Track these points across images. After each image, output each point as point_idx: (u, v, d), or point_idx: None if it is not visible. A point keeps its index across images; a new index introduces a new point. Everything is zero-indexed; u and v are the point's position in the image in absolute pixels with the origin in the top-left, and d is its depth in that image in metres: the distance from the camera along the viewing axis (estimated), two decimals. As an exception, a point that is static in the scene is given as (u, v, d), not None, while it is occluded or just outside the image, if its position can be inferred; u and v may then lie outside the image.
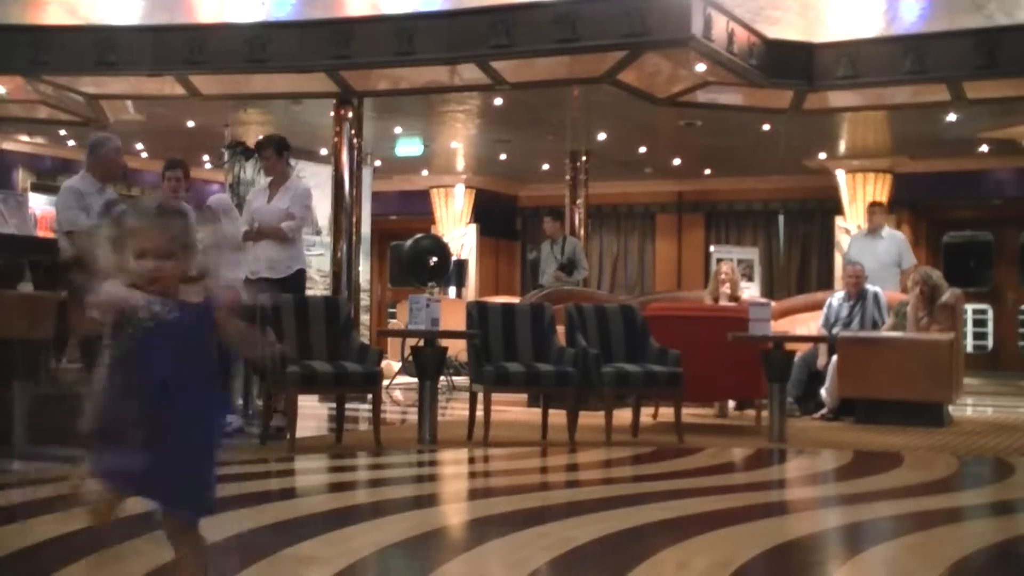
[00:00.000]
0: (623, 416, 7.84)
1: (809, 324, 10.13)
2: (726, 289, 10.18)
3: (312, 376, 6.66)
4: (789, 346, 8.11)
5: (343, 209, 10.87)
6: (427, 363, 7.12)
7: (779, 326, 9.47)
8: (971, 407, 10.82)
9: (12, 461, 5.80)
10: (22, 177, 15.07)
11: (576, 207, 14.57)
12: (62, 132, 13.92)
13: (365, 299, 13.00)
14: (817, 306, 10.20)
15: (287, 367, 6.53)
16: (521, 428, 8.08)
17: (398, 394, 11.39)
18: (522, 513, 4.61)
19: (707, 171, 16.12)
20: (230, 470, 5.80)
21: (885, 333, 9.18)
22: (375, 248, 16.17)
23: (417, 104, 11.92)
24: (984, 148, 13.58)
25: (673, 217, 17.59)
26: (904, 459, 6.67)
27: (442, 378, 9.80)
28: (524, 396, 9.59)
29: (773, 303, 9.58)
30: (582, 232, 14.49)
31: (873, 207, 11.67)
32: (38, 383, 5.85)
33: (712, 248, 15.80)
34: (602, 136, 13.49)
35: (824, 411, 9.24)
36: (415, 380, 7.45)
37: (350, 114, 10.89)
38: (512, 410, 9.26)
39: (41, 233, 12.72)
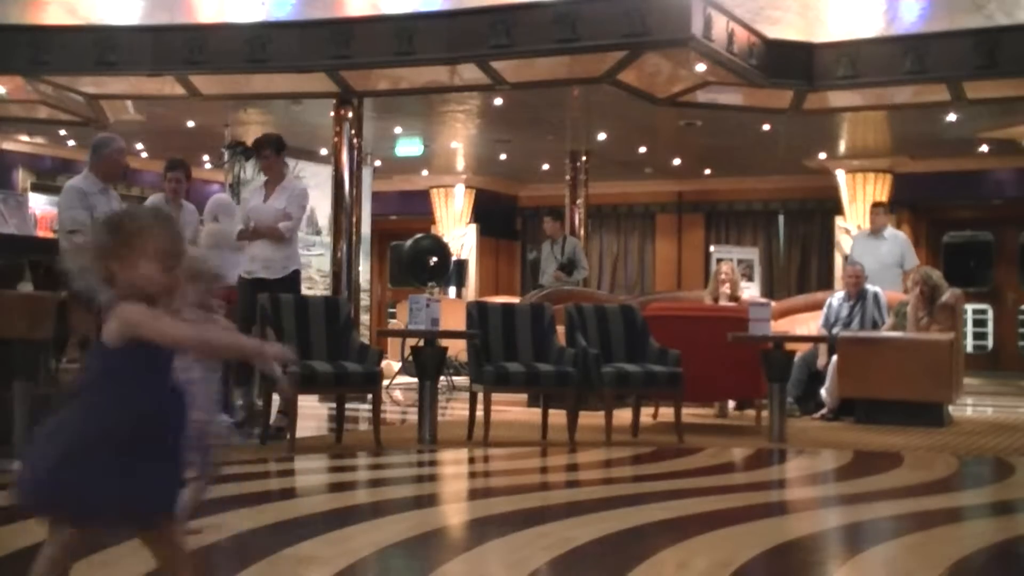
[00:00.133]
0: (623, 416, 7.84)
1: (809, 324, 10.13)
2: (726, 289, 10.18)
3: (312, 376, 6.66)
4: (789, 346, 8.11)
5: (343, 209, 10.87)
6: (427, 363, 7.12)
7: (779, 326, 9.47)
8: (971, 407, 10.82)
9: (12, 461, 5.80)
10: (22, 177, 15.07)
11: (576, 207, 14.57)
12: (62, 132, 13.92)
13: (365, 299, 13.01)
14: (817, 306, 10.20)
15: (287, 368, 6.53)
16: (521, 428, 8.08)
17: (398, 394, 11.39)
18: (522, 513, 4.61)
19: (707, 171, 16.12)
20: (230, 470, 5.80)
21: (885, 333, 9.18)
22: (375, 248, 16.17)
23: (417, 104, 11.92)
24: (984, 148, 13.58)
25: (673, 217, 17.60)
26: (904, 459, 6.67)
27: (442, 378, 9.80)
28: (524, 396, 9.59)
29: (773, 303, 9.58)
30: (582, 232, 14.49)
31: (876, 207, 11.66)
32: (38, 383, 5.85)
33: (712, 248, 15.80)
34: (602, 136, 13.49)
35: (824, 411, 9.24)
36: (415, 380, 7.45)
37: (350, 114, 10.89)
38: (512, 410, 9.26)
39: (41, 233, 12.74)
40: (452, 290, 15.47)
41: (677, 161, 15.26)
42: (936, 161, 14.58)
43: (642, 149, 14.39)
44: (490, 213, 17.68)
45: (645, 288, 17.13)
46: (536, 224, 16.83)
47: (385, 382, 9.53)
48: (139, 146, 14.49)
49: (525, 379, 7.29)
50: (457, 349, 10.81)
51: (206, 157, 14.81)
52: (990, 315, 15.94)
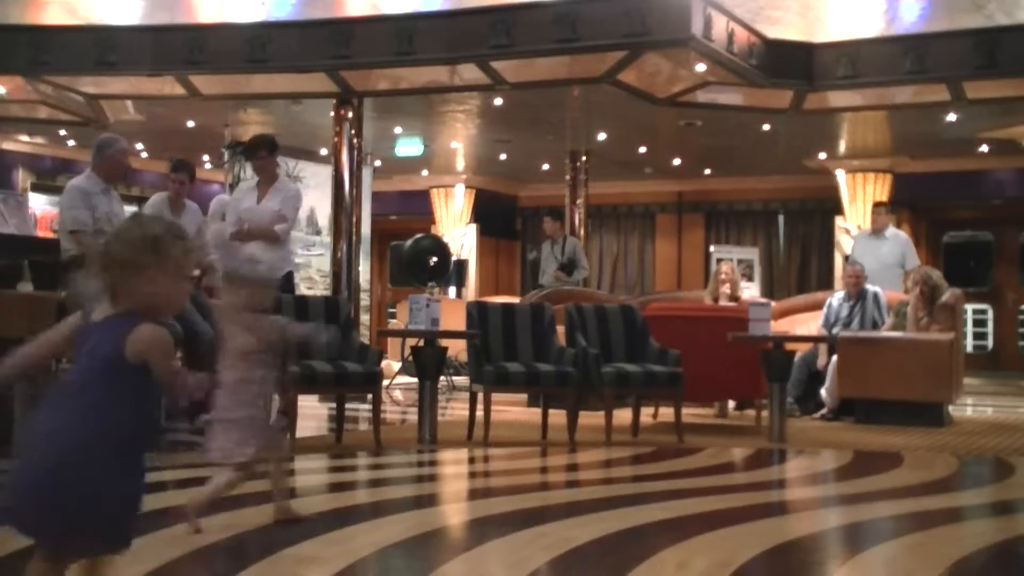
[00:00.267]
0: (623, 416, 7.84)
1: (809, 324, 10.13)
2: (726, 289, 10.18)
3: (312, 376, 6.66)
4: (789, 346, 8.11)
5: (343, 209, 10.87)
6: (427, 363, 7.12)
7: (779, 326, 9.47)
8: (971, 407, 10.82)
9: (12, 461, 5.80)
10: (22, 177, 15.08)
11: (576, 207, 14.58)
12: (62, 132, 13.93)
13: (365, 299, 13.01)
14: (817, 306, 10.20)
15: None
16: (521, 428, 8.08)
17: (398, 394, 11.39)
18: (522, 513, 4.61)
19: (707, 171, 16.12)
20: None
21: (885, 333, 9.18)
22: (375, 248, 16.17)
23: (417, 104, 11.92)
24: (984, 148, 13.58)
25: (673, 217, 17.60)
26: (904, 459, 6.67)
27: (442, 378, 9.80)
28: (524, 396, 9.59)
29: (773, 303, 9.58)
30: (582, 232, 14.50)
31: (877, 207, 11.66)
32: (38, 383, 5.85)
33: (712, 248, 15.81)
34: (602, 136, 13.49)
35: (824, 411, 9.24)
36: (415, 380, 7.44)
37: (350, 114, 10.89)
38: (512, 410, 9.26)
39: (41, 233, 12.74)
40: (452, 290, 15.47)
41: (677, 161, 15.26)
42: (936, 161, 14.58)
43: (642, 149, 14.39)
44: (490, 213, 17.68)
45: (645, 288, 17.13)
46: (536, 224, 16.84)
47: (385, 382, 9.53)
48: (139, 146, 14.50)
49: (525, 379, 7.29)
50: (457, 349, 10.81)
51: (206, 157, 14.81)
52: (990, 315, 15.94)
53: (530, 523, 4.31)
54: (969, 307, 14.86)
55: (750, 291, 13.15)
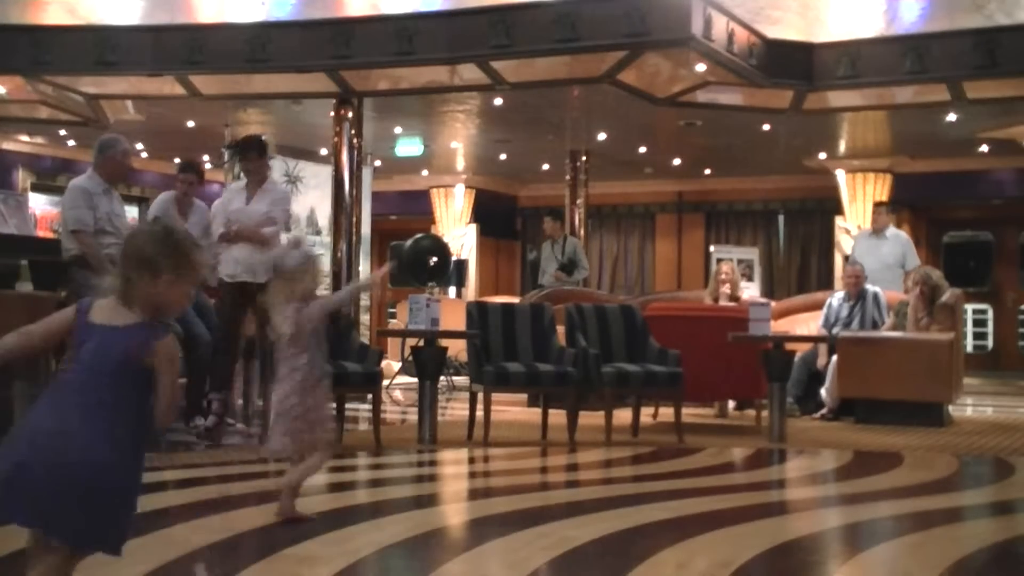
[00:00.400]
0: (623, 416, 7.84)
1: (809, 324, 10.12)
2: (726, 289, 10.18)
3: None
4: (789, 346, 8.11)
5: (343, 209, 10.87)
6: (427, 363, 7.12)
7: (779, 326, 9.46)
8: (971, 407, 10.81)
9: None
10: (22, 177, 15.07)
11: (576, 207, 14.58)
12: (62, 132, 13.92)
13: (365, 299, 13.01)
14: (817, 306, 10.20)
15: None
16: (521, 428, 8.08)
17: (398, 394, 11.39)
18: (522, 513, 4.61)
19: (707, 171, 16.12)
20: (230, 470, 5.81)
21: (885, 333, 9.18)
22: (375, 248, 16.17)
23: (417, 104, 11.92)
24: (984, 148, 13.58)
25: (673, 217, 17.60)
26: (904, 459, 6.67)
27: (442, 378, 9.80)
28: (524, 396, 9.59)
29: (773, 303, 9.58)
30: (582, 232, 14.50)
31: (878, 207, 11.67)
32: (38, 383, 5.85)
33: (712, 248, 15.80)
34: (602, 136, 13.49)
35: (824, 411, 9.24)
36: (415, 380, 7.44)
37: (350, 114, 10.89)
38: (512, 410, 9.26)
39: (41, 233, 12.74)
40: (452, 290, 15.47)
41: (677, 161, 15.26)
42: (936, 161, 14.58)
43: (642, 149, 14.39)
44: (490, 213, 17.68)
45: (645, 288, 17.14)
46: (536, 224, 16.84)
47: (385, 382, 9.53)
48: (139, 146, 14.49)
49: (525, 379, 7.29)
50: (457, 349, 10.81)
51: (206, 157, 14.79)
52: (990, 315, 15.94)
53: (530, 523, 4.31)
54: (969, 307, 14.86)
55: (750, 291, 13.14)
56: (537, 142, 14.07)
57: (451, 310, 8.95)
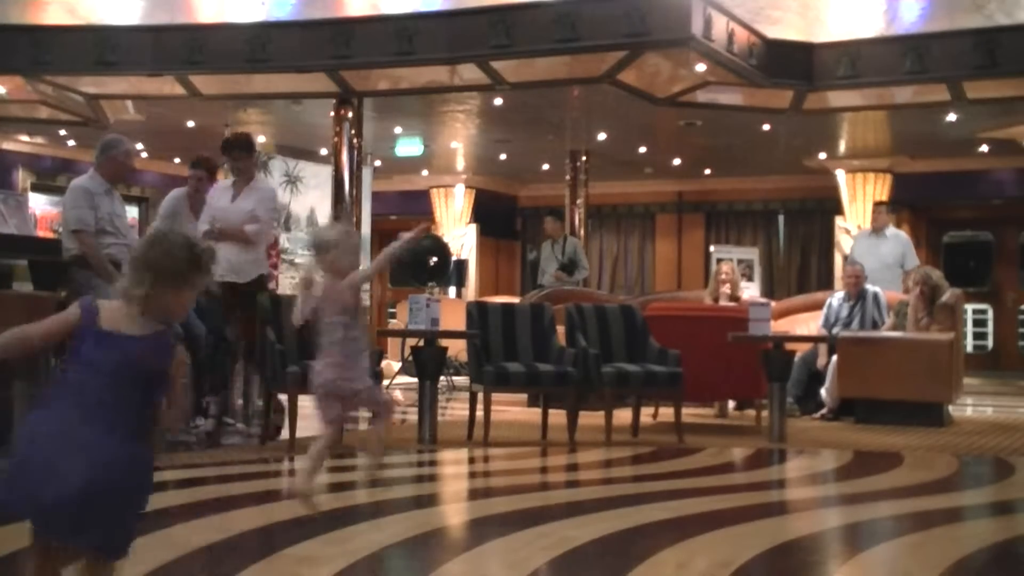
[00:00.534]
0: (623, 416, 7.84)
1: (809, 324, 10.12)
2: (726, 289, 10.18)
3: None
4: (789, 346, 8.11)
5: (343, 209, 10.87)
6: (427, 363, 7.12)
7: (779, 326, 9.46)
8: (971, 407, 10.81)
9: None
10: (22, 177, 15.07)
11: (576, 207, 14.58)
12: (62, 132, 13.92)
13: (365, 299, 13.00)
14: (817, 306, 10.20)
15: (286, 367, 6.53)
16: (521, 428, 8.08)
17: (398, 394, 11.38)
18: (522, 513, 4.61)
19: (707, 171, 16.12)
20: (230, 470, 5.81)
21: (885, 333, 9.18)
22: (375, 248, 16.16)
23: (417, 104, 11.92)
24: (984, 148, 13.58)
25: (673, 217, 17.60)
26: (904, 459, 6.67)
27: (442, 378, 9.80)
28: (524, 396, 9.58)
29: (773, 303, 9.58)
30: (582, 232, 14.50)
31: (878, 207, 11.67)
32: (38, 383, 5.85)
33: (712, 248, 15.81)
34: (602, 136, 13.49)
35: (824, 411, 9.24)
36: (415, 380, 7.44)
37: (350, 114, 10.90)
38: (512, 410, 9.26)
39: (41, 233, 12.73)
40: (452, 290, 15.46)
41: (677, 161, 15.26)
42: (936, 161, 14.59)
43: (642, 149, 14.39)
44: (490, 213, 17.68)
45: (645, 288, 17.14)
46: (536, 224, 16.84)
47: (385, 382, 9.53)
48: (139, 146, 14.49)
49: (525, 379, 7.29)
50: (457, 349, 10.81)
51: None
52: (990, 315, 15.94)
53: (530, 523, 4.31)
54: (969, 307, 14.86)
55: (750, 291, 13.14)
56: (537, 142, 14.07)
57: (451, 310, 8.95)
